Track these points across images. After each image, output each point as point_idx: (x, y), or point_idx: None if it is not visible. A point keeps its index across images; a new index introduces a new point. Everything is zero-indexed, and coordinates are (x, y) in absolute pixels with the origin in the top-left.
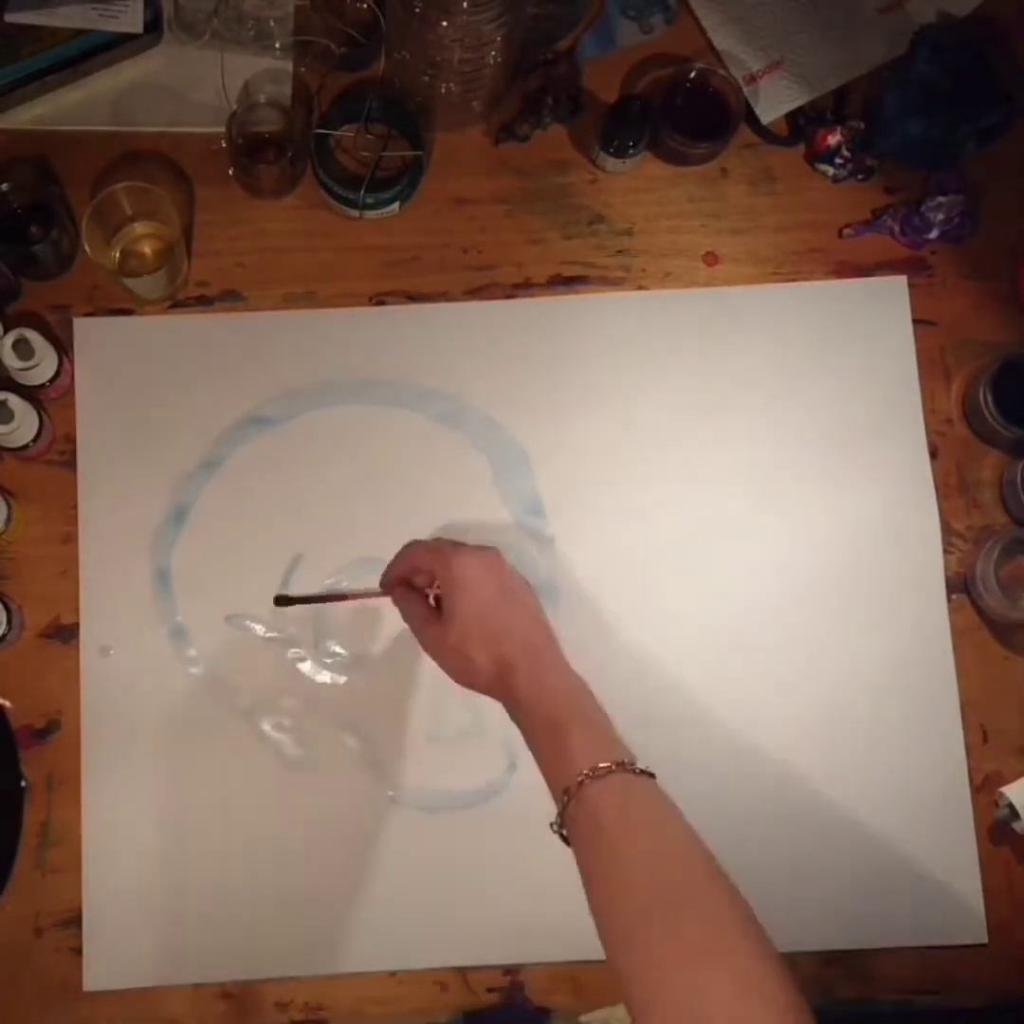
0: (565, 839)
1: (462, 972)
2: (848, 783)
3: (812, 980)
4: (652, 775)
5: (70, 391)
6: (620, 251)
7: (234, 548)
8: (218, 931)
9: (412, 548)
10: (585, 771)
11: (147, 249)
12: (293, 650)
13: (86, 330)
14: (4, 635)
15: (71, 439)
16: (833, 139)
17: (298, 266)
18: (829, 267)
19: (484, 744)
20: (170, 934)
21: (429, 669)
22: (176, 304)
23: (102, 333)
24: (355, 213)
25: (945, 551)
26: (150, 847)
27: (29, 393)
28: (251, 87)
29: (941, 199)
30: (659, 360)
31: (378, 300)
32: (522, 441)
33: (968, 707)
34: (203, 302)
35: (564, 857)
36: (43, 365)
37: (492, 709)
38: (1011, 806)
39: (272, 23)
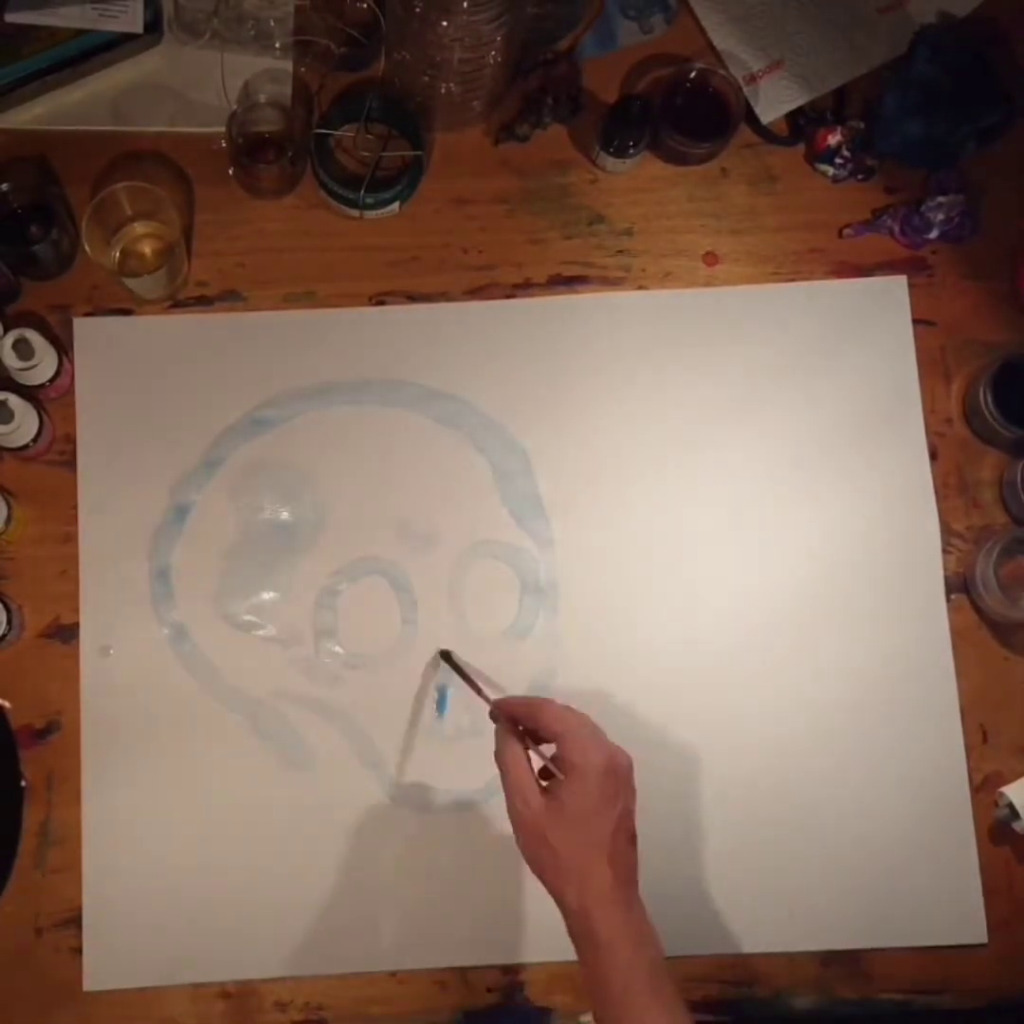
0: None
1: (462, 972)
2: (848, 783)
3: (812, 980)
4: None
5: (70, 391)
6: (620, 251)
7: (234, 548)
8: (218, 931)
9: (548, 706)
10: None
11: (147, 249)
12: (292, 650)
13: (86, 330)
14: (4, 635)
15: (71, 439)
16: (833, 139)
17: (298, 266)
18: (829, 267)
19: (483, 744)
20: (170, 934)
21: (426, 668)
22: (176, 304)
23: (102, 333)
24: (355, 213)
25: (945, 551)
26: (150, 847)
27: (29, 393)
28: (251, 87)
29: (941, 199)
30: (660, 360)
31: (378, 300)
32: (522, 441)
33: (968, 707)
34: (203, 302)
35: None
36: (43, 365)
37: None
38: (1011, 806)
39: (272, 23)
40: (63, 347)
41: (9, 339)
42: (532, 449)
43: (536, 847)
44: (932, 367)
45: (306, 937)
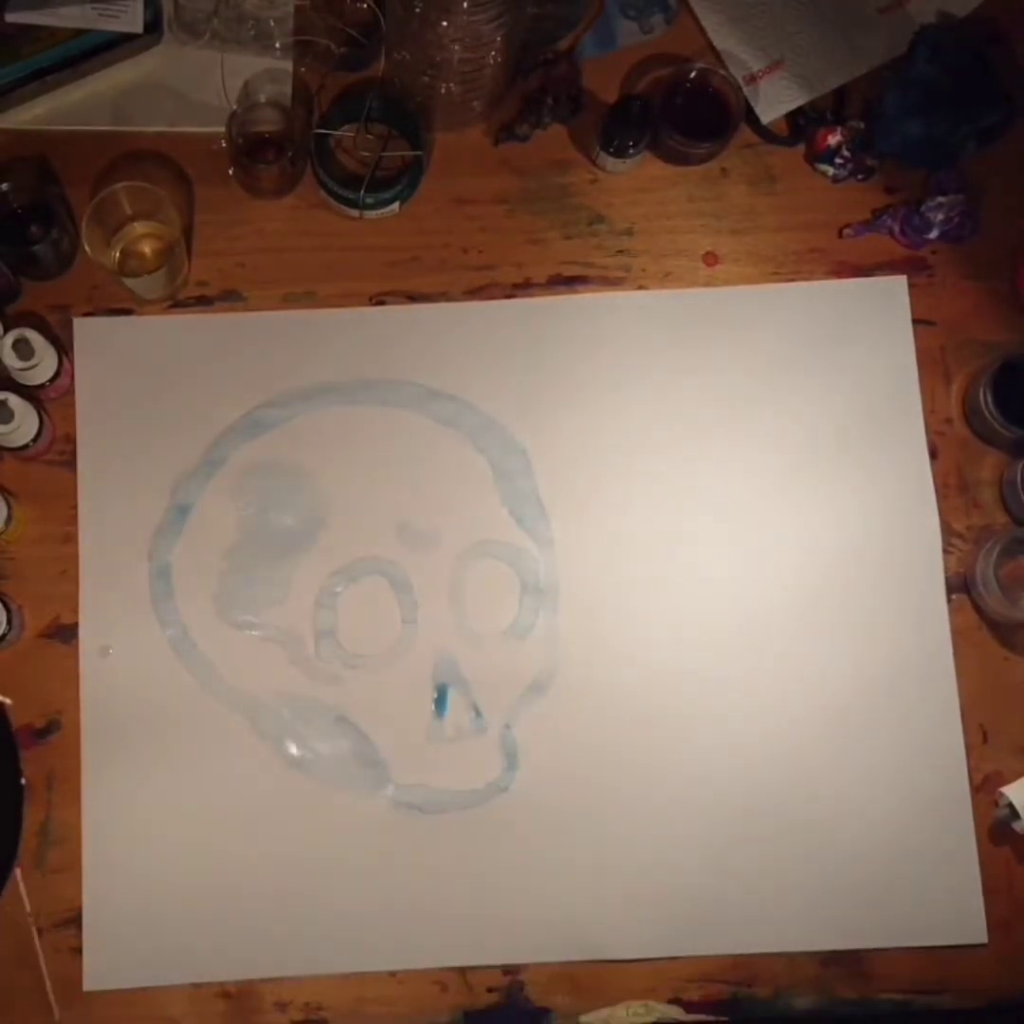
0: None
1: (462, 972)
2: (848, 783)
3: (812, 980)
4: None
5: (70, 391)
6: (620, 251)
7: (234, 548)
8: (218, 931)
9: None
10: None
11: (147, 249)
12: (293, 650)
13: (86, 330)
14: (4, 635)
15: (71, 439)
16: (833, 139)
17: (298, 266)
18: (829, 267)
19: (484, 744)
20: (170, 933)
21: (429, 670)
22: (176, 304)
23: (102, 333)
24: (355, 213)
25: (945, 551)
26: (150, 847)
27: (29, 393)
28: (251, 87)
29: (941, 199)
30: (660, 360)
31: (378, 300)
32: (522, 441)
33: (968, 707)
34: (203, 302)
35: (564, 857)
36: (43, 365)
37: (492, 709)
38: (1011, 806)
39: (272, 23)
40: (63, 347)
41: (9, 339)
42: (532, 449)
43: None
44: (932, 367)
45: (306, 936)
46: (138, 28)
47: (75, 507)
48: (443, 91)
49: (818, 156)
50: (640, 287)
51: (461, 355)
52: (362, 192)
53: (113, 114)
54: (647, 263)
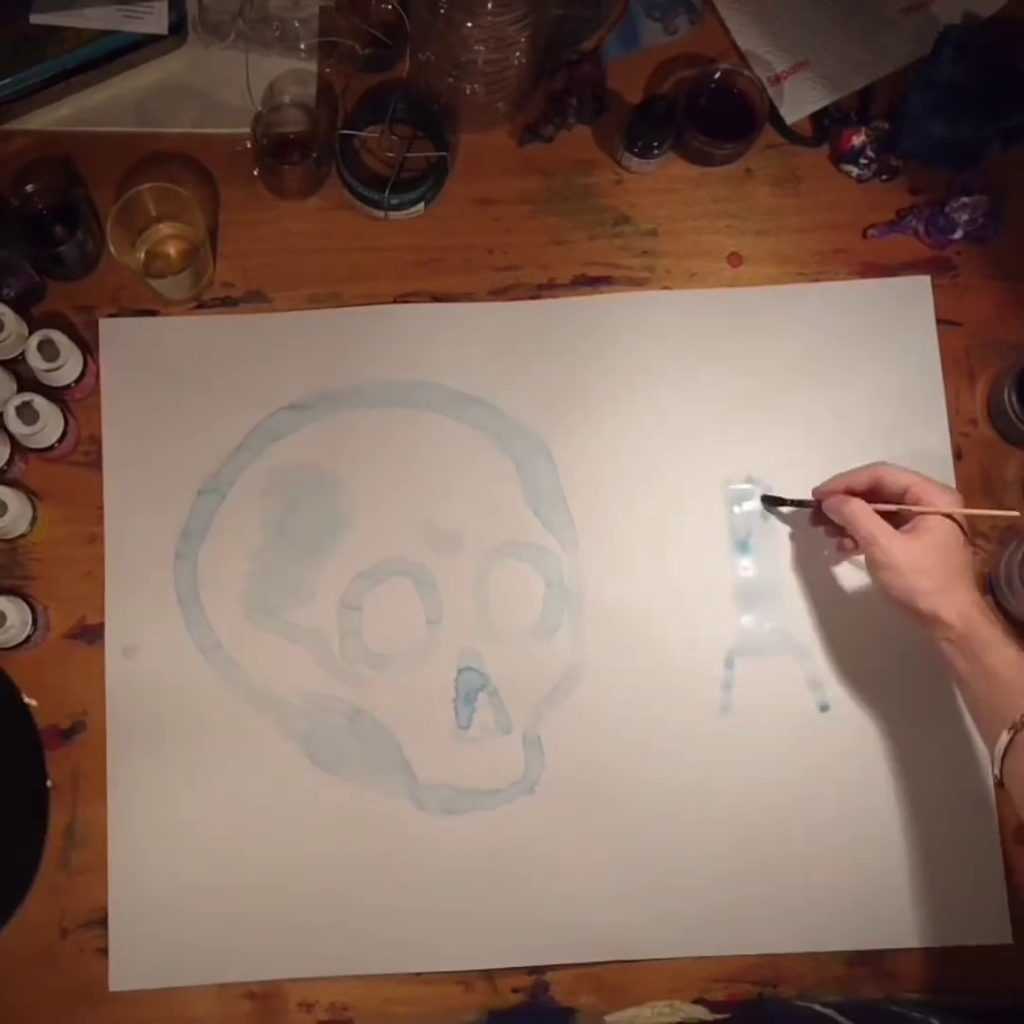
0: (999, 782)
1: (487, 973)
2: (871, 783)
3: (837, 980)
4: None
5: (95, 392)
6: (644, 251)
7: (260, 548)
8: (243, 931)
9: (882, 467)
10: None
11: (172, 250)
12: (318, 650)
13: (112, 331)
14: (29, 636)
15: (96, 440)
16: (858, 140)
17: (323, 267)
18: (853, 268)
19: (509, 745)
20: (195, 934)
21: (454, 670)
22: (201, 305)
23: (128, 334)
24: (380, 214)
25: None
26: (175, 847)
27: (54, 394)
28: (276, 88)
29: (965, 199)
30: (684, 360)
31: (403, 301)
32: (547, 441)
33: None
34: (228, 303)
35: (589, 857)
36: (68, 366)
37: (516, 710)
38: None
39: (297, 24)
40: (88, 348)
41: (35, 340)
42: (557, 450)
43: (907, 576)
44: (956, 367)
45: (331, 937)
46: (163, 29)
47: (100, 508)
48: (468, 92)
49: (842, 157)
50: (664, 287)
51: (486, 356)
52: (387, 193)
53: (138, 115)
54: (671, 264)
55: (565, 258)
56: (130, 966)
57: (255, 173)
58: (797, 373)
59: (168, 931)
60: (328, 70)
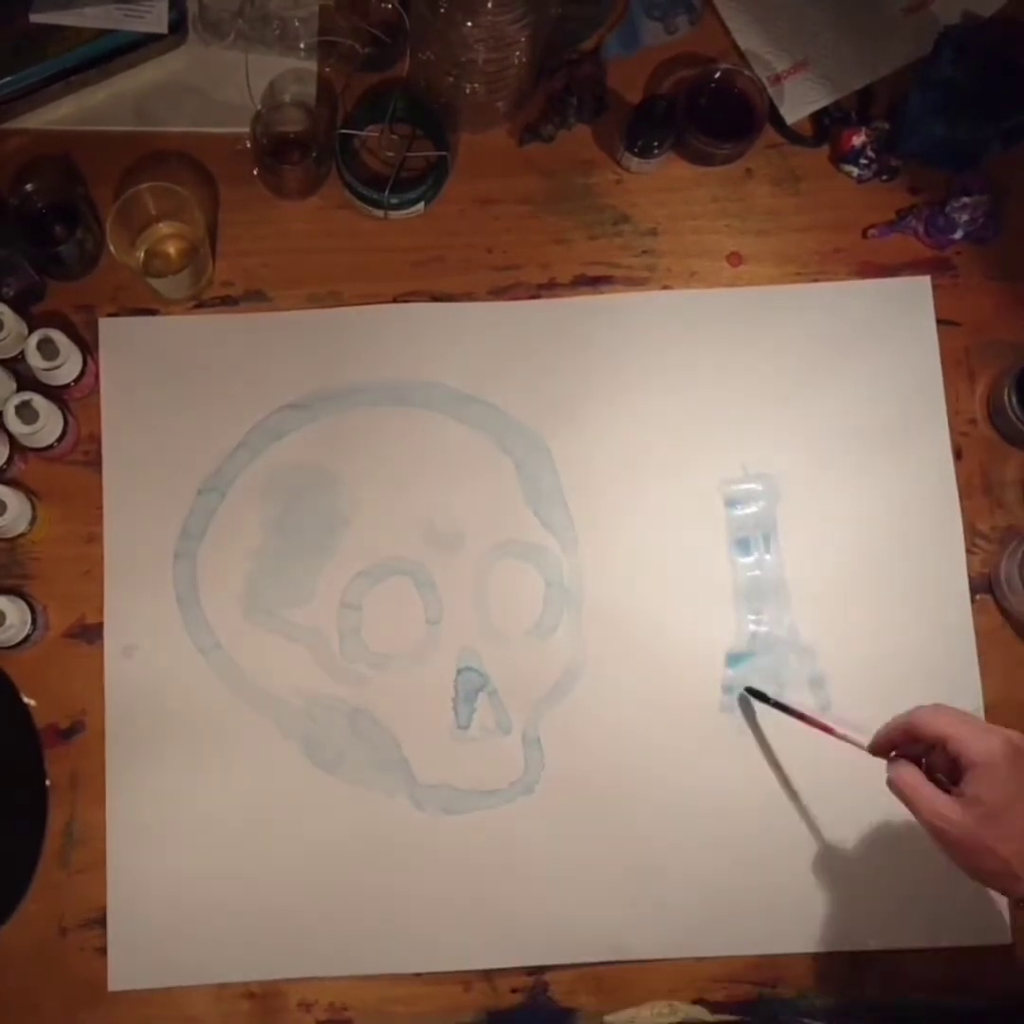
0: None
1: (487, 973)
2: (874, 784)
3: (842, 980)
4: None
5: (95, 391)
6: (645, 251)
7: (259, 548)
8: (242, 930)
9: (918, 714)
10: None
11: (172, 249)
12: (317, 650)
13: (112, 330)
14: (29, 635)
15: (96, 439)
16: (858, 139)
17: (322, 266)
18: (853, 267)
19: (508, 744)
20: (194, 934)
21: (453, 670)
22: (201, 304)
23: (127, 333)
24: (380, 213)
25: (969, 552)
26: (174, 847)
27: (54, 393)
28: (276, 87)
29: (965, 200)
30: (684, 360)
31: (402, 300)
32: (547, 441)
33: (992, 708)
34: (228, 302)
35: (589, 857)
36: (68, 365)
37: (516, 709)
38: None
39: (297, 23)
40: (88, 347)
41: (34, 339)
42: (556, 449)
43: (976, 855)
44: (956, 367)
45: (331, 937)
46: (163, 28)
47: (100, 507)
48: (468, 91)
49: (842, 157)
50: (665, 287)
51: (486, 355)
52: (387, 192)
53: (138, 114)
54: (672, 263)
55: (565, 258)
56: (129, 966)
57: (255, 172)
58: (797, 373)
59: (167, 930)
60: (328, 69)
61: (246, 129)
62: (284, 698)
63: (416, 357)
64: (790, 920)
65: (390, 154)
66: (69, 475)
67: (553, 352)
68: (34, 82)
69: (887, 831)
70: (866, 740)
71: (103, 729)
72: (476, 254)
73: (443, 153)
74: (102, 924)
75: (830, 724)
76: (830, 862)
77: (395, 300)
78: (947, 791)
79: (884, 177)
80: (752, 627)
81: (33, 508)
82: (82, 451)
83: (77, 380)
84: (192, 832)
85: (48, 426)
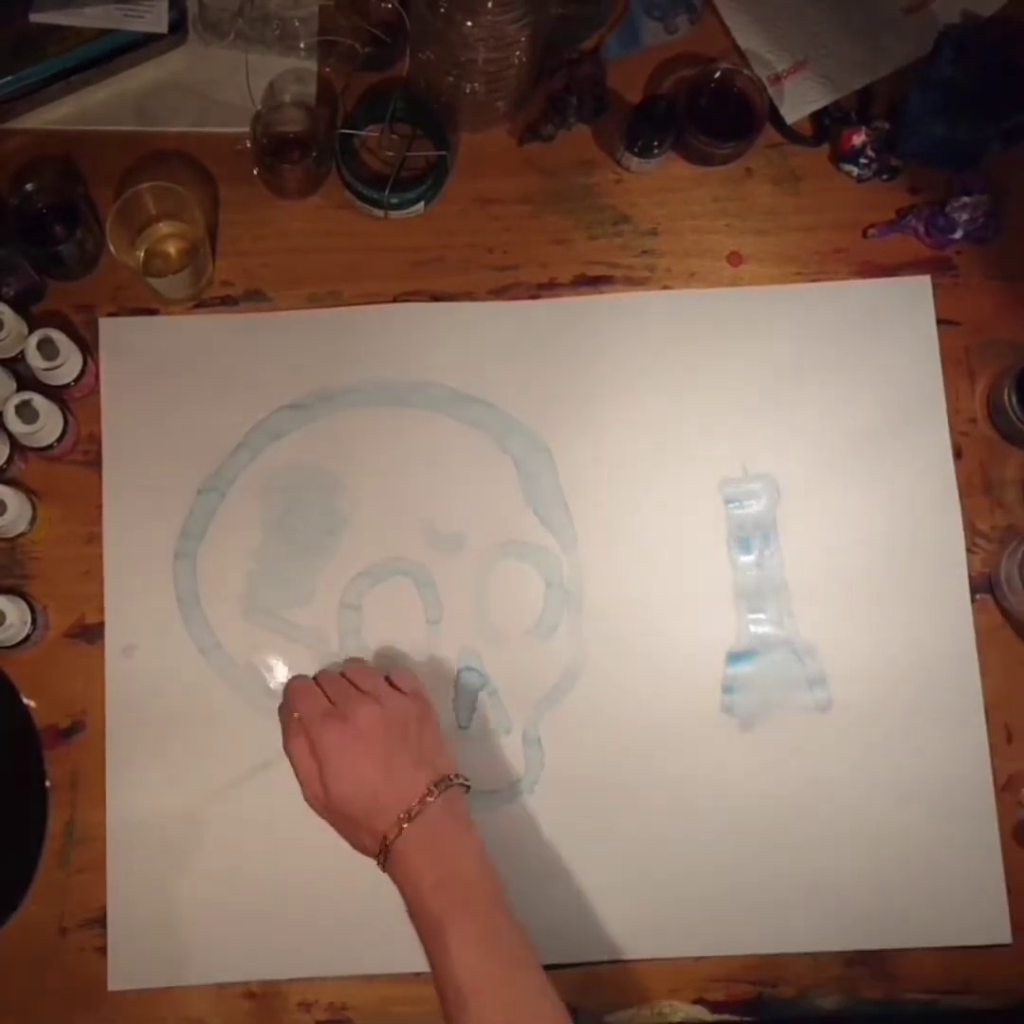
0: None
1: None
2: (872, 783)
3: (837, 980)
4: None
5: (95, 391)
6: (645, 251)
7: (259, 548)
8: (242, 931)
9: (294, 686)
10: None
11: (172, 249)
12: (318, 650)
13: (112, 330)
14: (28, 635)
15: (96, 439)
16: (858, 139)
17: (323, 266)
18: (853, 267)
19: (508, 745)
20: (194, 933)
21: (454, 670)
22: (201, 304)
23: (127, 333)
24: (380, 213)
25: (969, 551)
26: (174, 847)
27: (54, 393)
28: (276, 87)
29: (966, 199)
30: (684, 360)
31: (402, 300)
32: (547, 441)
33: (992, 707)
34: (228, 302)
35: (589, 857)
36: (68, 365)
37: (516, 709)
38: None
39: (297, 23)
40: (88, 347)
41: (34, 339)
42: (556, 450)
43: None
44: (956, 367)
45: (331, 937)
46: (163, 28)
47: (99, 507)
48: (468, 91)
49: (843, 156)
50: (665, 287)
51: (486, 355)
52: (387, 192)
53: (137, 114)
54: (672, 263)
55: (565, 257)
56: (129, 965)
57: (255, 172)
58: (797, 372)
59: (167, 930)
60: (328, 69)
61: (246, 129)
62: None
63: (416, 357)
64: (790, 920)
65: (390, 154)
66: (69, 475)
67: (553, 352)
68: (34, 82)
69: (887, 831)
70: None
71: (103, 729)
72: (476, 254)
73: (443, 153)
74: (102, 924)
75: None
76: (830, 861)
77: (395, 300)
78: None
79: (884, 177)
80: (752, 627)
81: (33, 508)
82: (82, 451)
83: (77, 380)
84: (192, 832)
85: (48, 426)
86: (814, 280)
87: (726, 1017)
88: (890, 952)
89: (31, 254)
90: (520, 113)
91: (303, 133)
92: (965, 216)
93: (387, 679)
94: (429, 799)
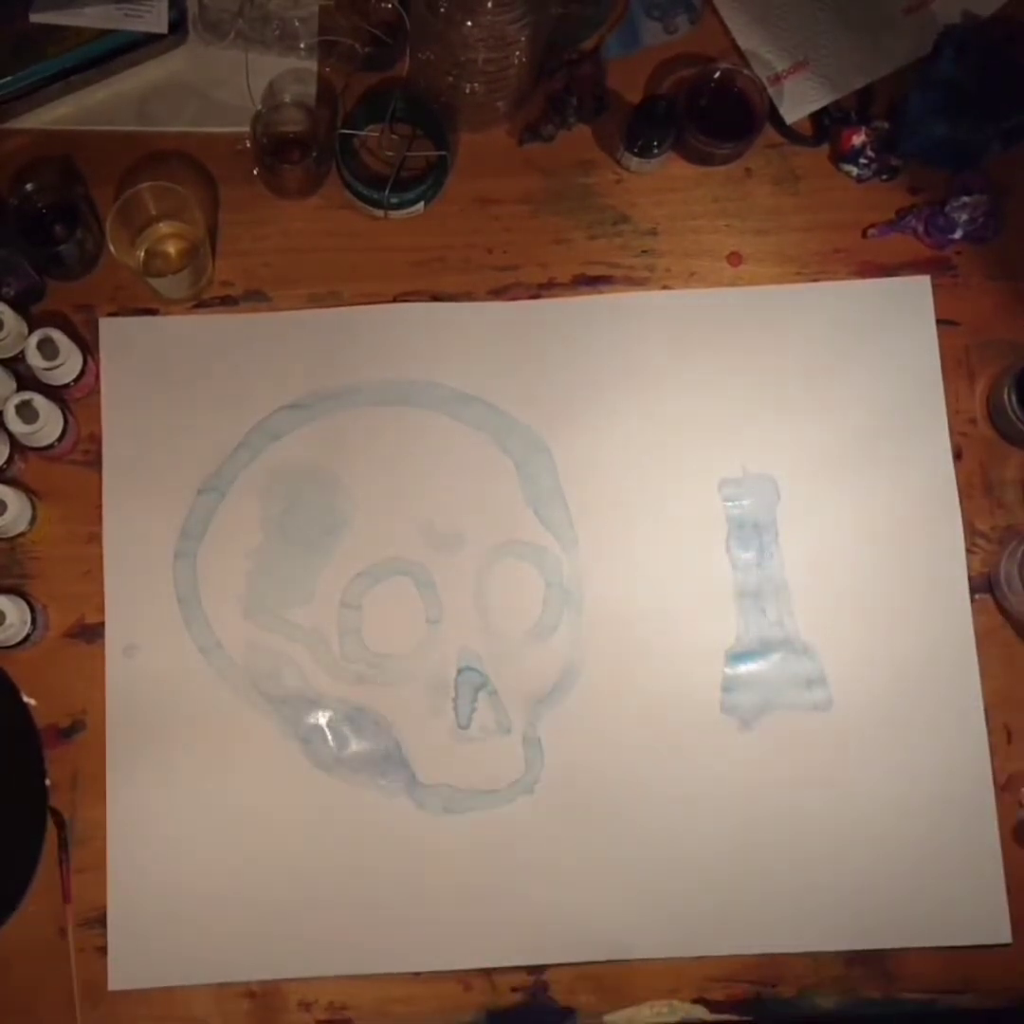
0: None
1: (486, 972)
2: (871, 783)
3: (837, 980)
4: None
5: (95, 391)
6: (644, 251)
7: (259, 548)
8: (242, 930)
9: None
10: None
11: (172, 249)
12: (317, 650)
13: (112, 330)
14: (29, 635)
15: (96, 439)
16: (858, 139)
17: (322, 266)
18: (853, 267)
19: (508, 744)
20: (195, 933)
21: (453, 670)
22: (201, 304)
23: (127, 333)
24: (380, 213)
25: (968, 551)
26: (175, 846)
27: (54, 393)
28: (276, 87)
29: (965, 199)
30: (683, 360)
31: (402, 300)
32: (547, 441)
33: (992, 707)
34: (228, 302)
35: (589, 856)
36: (68, 365)
37: (516, 709)
38: None
39: (297, 23)
40: (88, 347)
41: (34, 339)
42: (556, 449)
43: None
44: (956, 367)
45: (331, 937)
46: (163, 28)
47: (99, 507)
48: (468, 91)
49: (842, 156)
50: (664, 287)
51: (486, 355)
52: (387, 192)
53: (138, 114)
54: (671, 263)
55: (565, 257)
56: (129, 965)
57: (255, 172)
58: (796, 372)
59: (167, 930)
60: (328, 69)
61: (246, 129)
62: (284, 697)
63: (416, 357)
64: (790, 920)
65: (390, 154)
66: (69, 475)
67: (553, 352)
68: (35, 82)
69: (887, 831)
70: None
71: (103, 729)
72: (476, 254)
73: (443, 153)
74: (102, 924)
75: None
76: (830, 862)
77: (395, 300)
78: None
79: (884, 177)
80: (752, 627)
81: (33, 508)
82: (82, 451)
83: (77, 380)
84: (192, 832)
85: (48, 426)
86: (814, 280)
87: (726, 1017)
88: (889, 952)
89: (31, 254)
90: (520, 113)
91: (303, 133)
92: (965, 216)
93: None
94: None
